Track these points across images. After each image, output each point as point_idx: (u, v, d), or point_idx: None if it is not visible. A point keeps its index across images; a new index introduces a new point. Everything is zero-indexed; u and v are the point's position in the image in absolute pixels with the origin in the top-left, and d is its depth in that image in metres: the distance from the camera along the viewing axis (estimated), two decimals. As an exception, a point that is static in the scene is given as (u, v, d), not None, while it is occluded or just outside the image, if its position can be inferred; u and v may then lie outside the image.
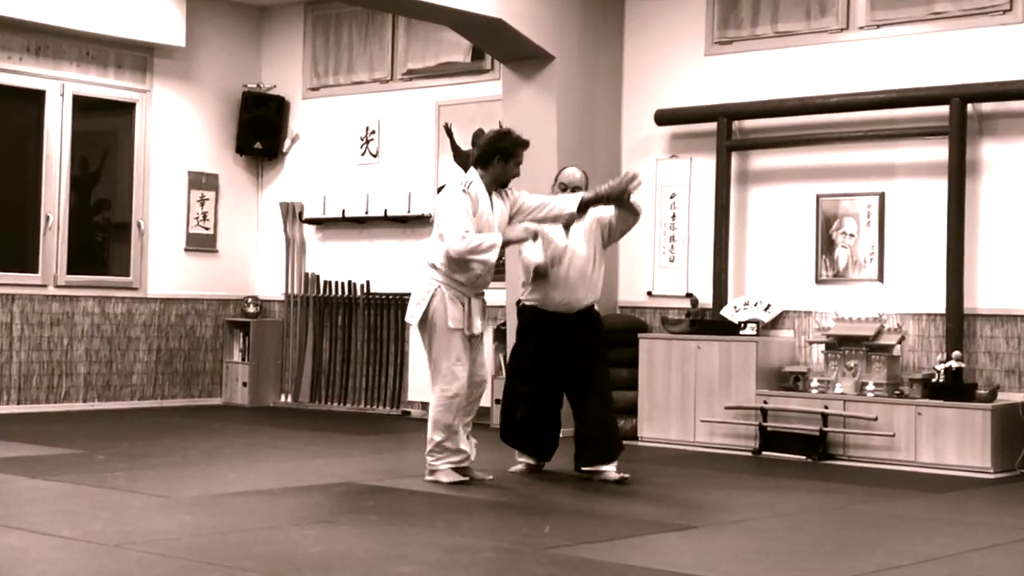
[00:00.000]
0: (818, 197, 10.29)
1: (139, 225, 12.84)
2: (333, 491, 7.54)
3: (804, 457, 9.58)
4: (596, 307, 8.37)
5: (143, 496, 7.21)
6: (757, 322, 10.20)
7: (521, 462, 8.45)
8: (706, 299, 10.66)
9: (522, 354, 8.39)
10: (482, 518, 6.79)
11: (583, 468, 8.21)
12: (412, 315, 7.86)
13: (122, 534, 6.06)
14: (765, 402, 9.85)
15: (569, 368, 8.21)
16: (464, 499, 7.34)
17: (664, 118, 10.93)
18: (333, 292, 13.04)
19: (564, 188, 8.20)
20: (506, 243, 7.73)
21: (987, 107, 9.59)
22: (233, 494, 7.34)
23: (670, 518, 6.89)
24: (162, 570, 5.33)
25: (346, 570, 5.40)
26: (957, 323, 9.46)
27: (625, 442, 10.30)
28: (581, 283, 8.16)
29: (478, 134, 12.05)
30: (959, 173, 9.50)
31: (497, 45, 10.98)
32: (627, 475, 8.17)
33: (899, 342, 9.66)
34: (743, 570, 5.59)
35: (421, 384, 11.59)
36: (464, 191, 7.73)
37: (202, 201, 13.34)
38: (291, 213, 13.37)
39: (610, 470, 8.14)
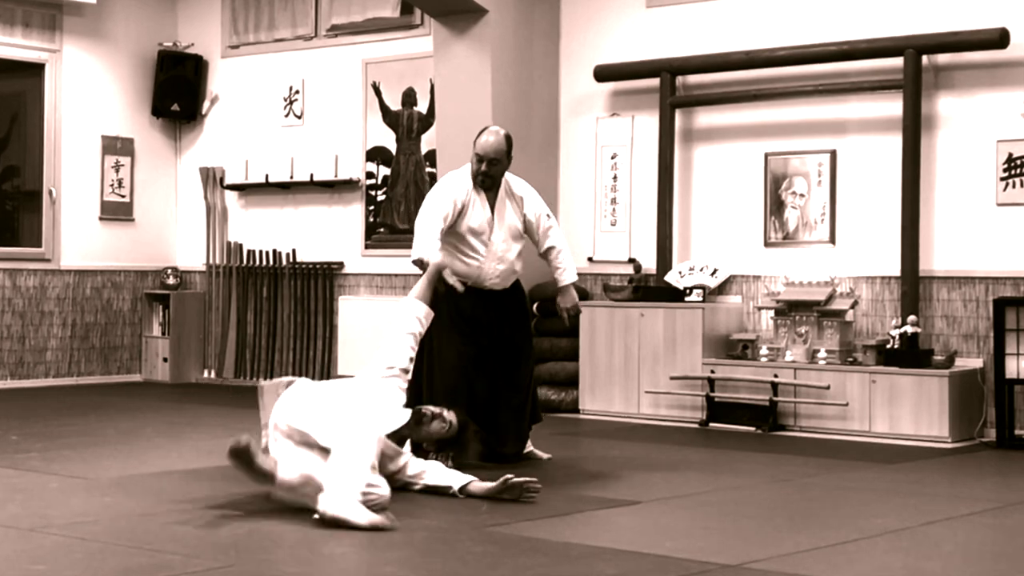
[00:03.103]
0: (766, 155, 10.37)
1: (51, 193, 12.76)
2: (260, 471, 7.54)
3: (753, 428, 9.66)
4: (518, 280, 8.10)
5: (60, 477, 7.16)
6: (703, 288, 10.28)
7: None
8: (650, 264, 10.73)
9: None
10: (417, 497, 6.74)
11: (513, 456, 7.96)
12: None
13: (38, 517, 6.02)
14: (712, 371, 9.92)
15: (494, 346, 7.89)
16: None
17: (604, 74, 10.96)
18: (257, 262, 13.01)
19: (480, 160, 7.70)
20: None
21: (943, 58, 9.67)
22: (154, 474, 7.33)
23: (613, 493, 6.91)
24: (81, 554, 5.30)
25: (275, 551, 5.40)
26: (913, 286, 9.55)
27: (566, 415, 10.43)
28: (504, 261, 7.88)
29: (408, 93, 12.07)
30: (914, 128, 9.58)
31: (426, -2, 10.98)
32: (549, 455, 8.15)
33: (852, 307, 9.75)
34: (689, 546, 5.60)
35: (351, 357, 11.63)
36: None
37: (117, 167, 13.25)
38: (211, 179, 13.32)
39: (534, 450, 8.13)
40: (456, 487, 6.73)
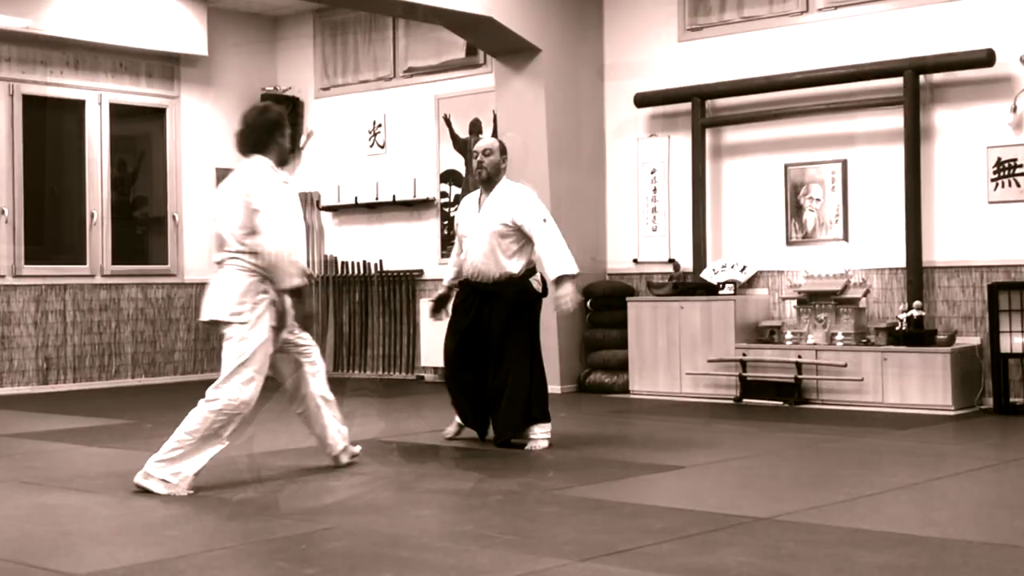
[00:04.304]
0: (786, 166, 10.29)
1: (174, 218, 12.87)
2: (358, 447, 7.55)
3: (781, 402, 9.59)
4: (520, 280, 7.44)
5: (186, 459, 7.22)
6: (734, 282, 10.22)
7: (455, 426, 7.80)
8: (687, 263, 10.69)
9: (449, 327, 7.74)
10: (491, 466, 6.78)
11: (497, 443, 7.44)
12: None
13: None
14: (744, 354, 9.86)
15: (485, 339, 7.47)
16: (474, 451, 7.36)
17: (643, 100, 10.93)
18: (350, 272, 13.06)
19: (475, 155, 7.51)
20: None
21: (938, 77, 9.57)
22: (267, 453, 7.38)
23: (660, 460, 6.89)
24: (206, 521, 5.38)
25: (370, 514, 5.43)
26: (917, 275, 9.46)
27: (618, 396, 10.40)
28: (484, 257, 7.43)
29: (475, 123, 12.09)
30: (914, 139, 9.48)
31: (488, 41, 10.95)
32: (550, 442, 7.45)
33: (864, 295, 9.67)
34: (727, 503, 5.61)
35: (433, 351, 11.64)
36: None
37: (229, 194, 13.29)
38: (309, 202, 13.37)
39: (535, 439, 7.40)
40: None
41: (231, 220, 6.35)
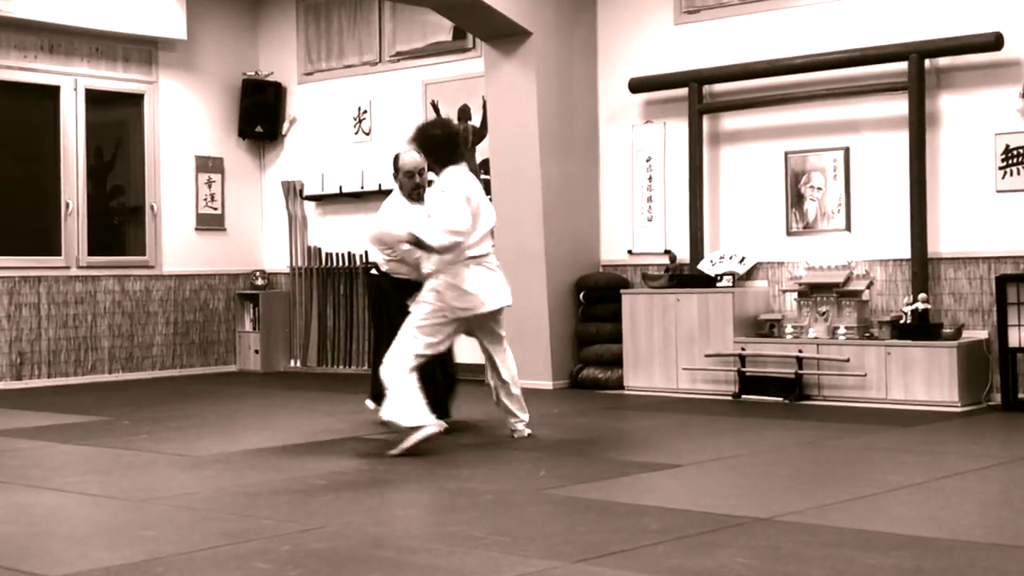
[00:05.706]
0: (786, 154, 10.27)
1: (152, 208, 12.84)
2: (342, 445, 7.56)
3: (781, 399, 9.59)
4: None
5: (166, 456, 7.25)
6: (733, 274, 10.22)
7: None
8: (683, 255, 10.68)
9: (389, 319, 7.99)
10: (482, 464, 6.80)
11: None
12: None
13: (147, 490, 6.11)
14: (743, 349, 9.86)
15: None
16: (463, 449, 7.35)
17: (638, 86, 10.91)
18: (334, 263, 13.04)
19: (410, 175, 7.76)
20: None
21: (944, 61, 9.55)
22: (249, 451, 7.37)
23: (655, 459, 6.89)
24: (185, 521, 5.37)
25: (355, 515, 5.42)
26: (922, 267, 9.46)
27: (612, 392, 10.44)
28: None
29: (463, 109, 12.06)
30: (919, 125, 9.47)
31: (477, 24, 10.92)
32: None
33: (868, 287, 9.66)
34: (725, 503, 5.60)
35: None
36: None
37: (209, 183, 13.32)
38: (292, 191, 13.36)
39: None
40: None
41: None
